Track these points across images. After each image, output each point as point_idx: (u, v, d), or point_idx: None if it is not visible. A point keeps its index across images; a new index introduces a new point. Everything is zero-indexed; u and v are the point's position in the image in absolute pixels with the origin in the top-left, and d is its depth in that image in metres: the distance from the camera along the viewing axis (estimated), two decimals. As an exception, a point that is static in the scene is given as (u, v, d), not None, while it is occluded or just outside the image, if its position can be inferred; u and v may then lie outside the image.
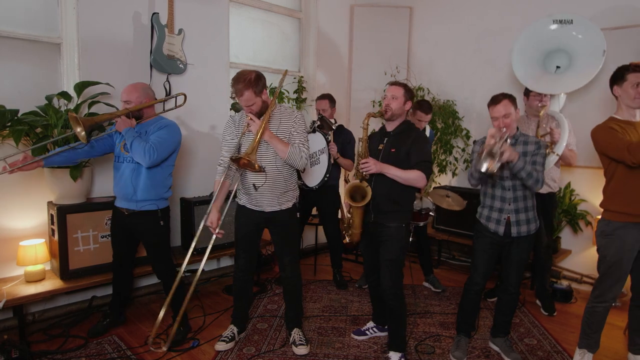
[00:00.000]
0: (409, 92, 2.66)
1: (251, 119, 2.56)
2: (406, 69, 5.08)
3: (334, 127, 3.72)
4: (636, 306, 2.65)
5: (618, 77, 2.49)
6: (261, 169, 2.55)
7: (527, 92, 3.45)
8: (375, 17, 5.12)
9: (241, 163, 2.50)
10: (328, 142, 3.64)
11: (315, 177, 3.70)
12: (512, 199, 2.58)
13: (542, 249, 3.41)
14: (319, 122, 3.70)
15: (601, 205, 2.60)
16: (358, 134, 2.90)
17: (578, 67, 3.26)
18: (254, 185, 2.67)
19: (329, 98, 3.85)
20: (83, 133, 2.55)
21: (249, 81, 2.51)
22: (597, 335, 2.63)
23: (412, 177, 2.52)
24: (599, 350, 2.75)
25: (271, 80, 4.29)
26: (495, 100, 2.52)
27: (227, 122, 2.80)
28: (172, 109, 3.10)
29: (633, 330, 2.71)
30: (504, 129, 2.44)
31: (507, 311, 2.79)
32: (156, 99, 2.86)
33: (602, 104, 3.80)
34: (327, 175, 3.64)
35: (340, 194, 4.13)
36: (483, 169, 2.28)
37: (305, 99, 4.75)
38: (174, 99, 3.08)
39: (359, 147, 2.70)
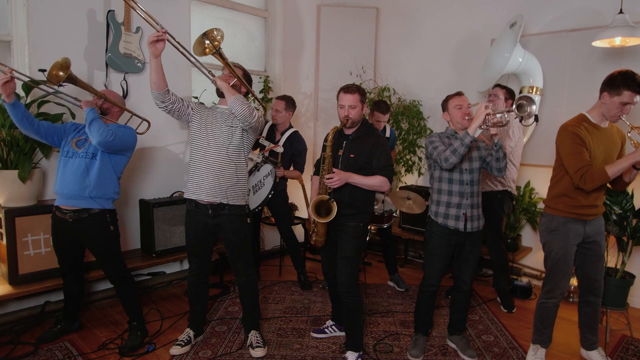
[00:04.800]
0: (364, 95, 2.64)
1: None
2: (373, 70, 5.10)
3: (279, 165, 3.65)
4: (584, 301, 2.71)
5: (614, 86, 2.32)
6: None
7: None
8: (342, 17, 5.12)
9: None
10: (276, 167, 3.63)
11: (258, 198, 3.64)
12: (470, 194, 2.62)
13: (494, 246, 3.45)
14: (264, 161, 3.63)
15: (545, 202, 2.65)
16: (327, 130, 2.87)
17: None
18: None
19: (285, 100, 3.78)
20: (61, 74, 2.49)
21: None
22: (549, 331, 2.68)
23: (376, 183, 2.56)
24: (553, 345, 2.81)
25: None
26: (459, 93, 2.74)
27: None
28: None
29: (583, 326, 2.76)
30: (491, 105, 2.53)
31: (462, 308, 2.83)
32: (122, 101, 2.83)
33: (543, 102, 3.93)
34: (272, 193, 3.60)
35: (305, 193, 4.12)
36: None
37: (272, 98, 4.71)
38: (140, 121, 3.13)
39: (322, 161, 2.62)
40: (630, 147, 2.44)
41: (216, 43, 2.50)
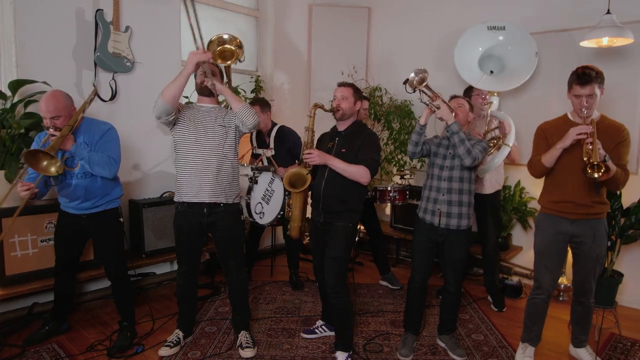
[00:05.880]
0: (358, 92, 2.71)
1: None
2: (364, 69, 5.10)
3: (271, 170, 3.59)
4: (576, 301, 2.72)
5: (568, 83, 2.49)
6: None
7: (467, 93, 3.54)
8: (334, 17, 5.12)
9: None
10: (274, 172, 3.58)
11: (275, 206, 3.59)
12: (446, 190, 2.64)
13: (490, 247, 3.47)
14: (257, 171, 3.59)
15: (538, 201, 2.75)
16: (319, 130, 2.91)
17: (512, 70, 3.52)
18: None
19: (259, 103, 3.70)
20: (57, 164, 2.40)
21: None
22: (538, 329, 2.70)
23: (355, 170, 2.53)
24: (542, 344, 2.83)
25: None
26: (453, 96, 2.88)
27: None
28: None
29: (574, 323, 2.79)
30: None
31: (450, 310, 2.83)
32: (73, 104, 2.63)
33: (534, 103, 3.96)
34: (288, 193, 3.46)
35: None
36: (410, 76, 2.56)
37: (263, 98, 4.70)
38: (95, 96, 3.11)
39: (304, 137, 2.71)
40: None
41: (242, 58, 2.96)
